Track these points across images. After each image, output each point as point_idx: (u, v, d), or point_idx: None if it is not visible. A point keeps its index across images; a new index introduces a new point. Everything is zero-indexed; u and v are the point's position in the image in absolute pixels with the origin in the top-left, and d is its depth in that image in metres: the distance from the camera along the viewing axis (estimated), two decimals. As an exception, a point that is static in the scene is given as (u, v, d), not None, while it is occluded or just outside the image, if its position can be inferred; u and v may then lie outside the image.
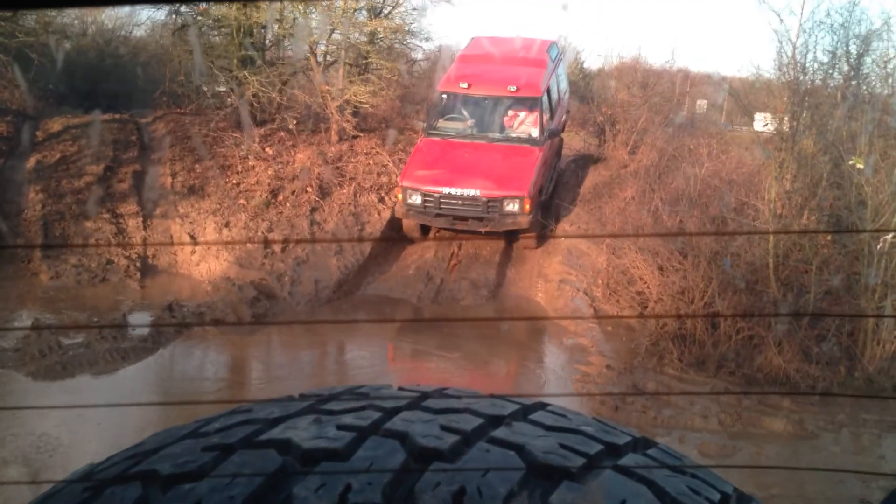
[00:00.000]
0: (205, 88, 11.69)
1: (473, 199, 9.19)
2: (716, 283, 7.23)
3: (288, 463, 0.88)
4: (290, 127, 11.08)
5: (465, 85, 10.42)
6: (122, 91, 13.64)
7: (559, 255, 9.46)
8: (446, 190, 9.23)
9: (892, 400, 6.47)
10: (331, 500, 0.81)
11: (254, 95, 11.14)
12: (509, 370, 7.48)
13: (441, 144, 10.11)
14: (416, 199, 9.36)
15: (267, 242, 9.29)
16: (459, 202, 9.24)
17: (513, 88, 10.22)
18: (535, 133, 10.15)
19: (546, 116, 10.44)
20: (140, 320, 7.29)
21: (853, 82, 9.41)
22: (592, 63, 31.32)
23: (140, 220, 9.62)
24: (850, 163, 6.87)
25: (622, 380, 6.61)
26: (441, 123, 10.40)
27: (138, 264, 8.98)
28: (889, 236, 6.62)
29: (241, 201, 9.95)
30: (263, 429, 0.98)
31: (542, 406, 1.14)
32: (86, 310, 7.43)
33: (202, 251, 9.28)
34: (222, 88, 11.57)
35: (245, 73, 11.03)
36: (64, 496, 0.89)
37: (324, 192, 10.43)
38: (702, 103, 22.02)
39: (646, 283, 7.73)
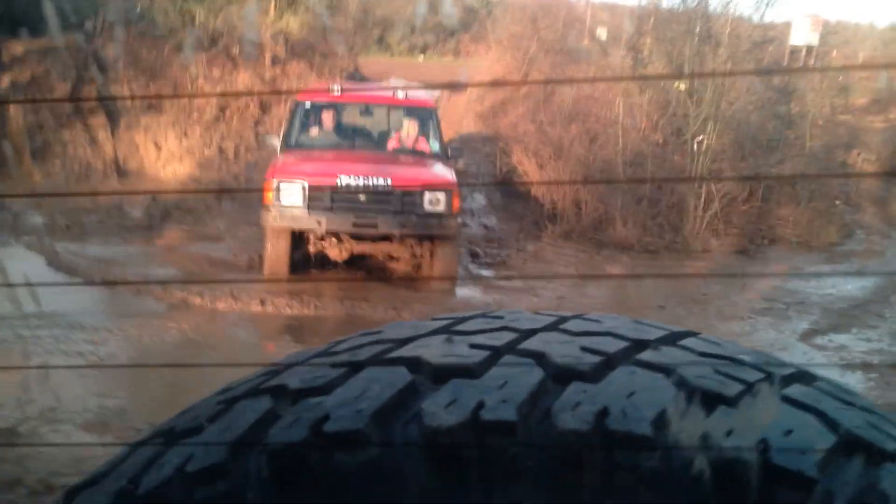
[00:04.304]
0: (153, 15, 13.21)
1: (383, 191, 6.92)
2: (580, 175, 9.63)
3: (418, 379, 0.87)
4: (233, 53, 12.77)
5: (336, 90, 8.22)
6: (66, 13, 14.84)
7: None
8: (344, 179, 6.86)
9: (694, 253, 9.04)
10: (462, 416, 0.79)
11: (199, 24, 12.79)
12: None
13: (309, 153, 7.78)
14: (296, 197, 6.82)
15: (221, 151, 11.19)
16: (363, 196, 6.92)
17: (402, 95, 8.19)
18: (437, 148, 7.97)
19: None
20: (134, 207, 9.14)
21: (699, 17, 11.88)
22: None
23: (108, 130, 11.31)
24: (675, 86, 9.30)
25: (512, 245, 8.96)
26: (305, 138, 7.96)
27: (113, 167, 10.73)
28: (700, 138, 9.11)
29: (195, 115, 11.73)
30: (393, 347, 0.98)
31: (693, 333, 1.06)
32: (84, 200, 9.23)
33: (166, 157, 11.09)
34: (169, 15, 13.12)
35: (191, 3, 12.67)
36: (201, 409, 0.93)
37: (264, 108, 12.30)
38: (601, 32, 24.19)
39: (528, 175, 10.06)
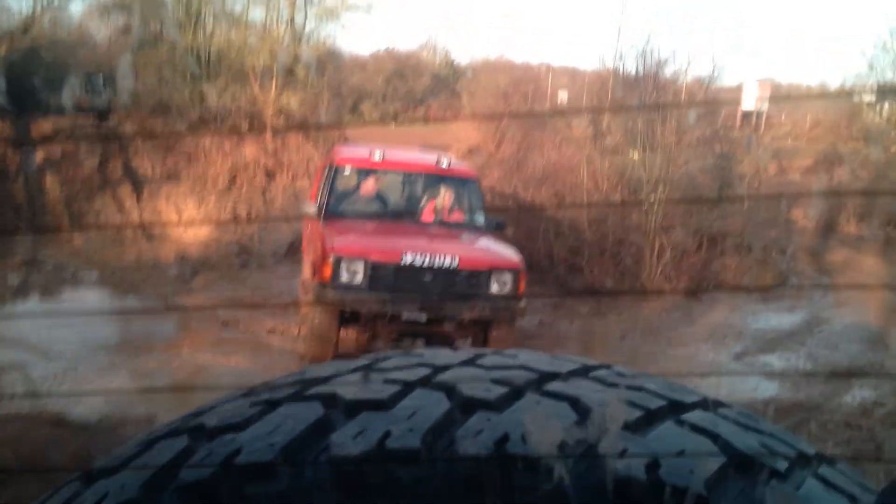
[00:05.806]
0: (165, 97, 14.79)
1: (449, 270, 6.45)
2: (552, 233, 11.25)
3: (331, 413, 0.90)
4: (242, 130, 14.36)
5: (377, 157, 7.63)
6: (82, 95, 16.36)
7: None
8: (409, 258, 6.39)
9: (650, 295, 10.63)
10: (368, 445, 0.83)
11: (207, 103, 14.42)
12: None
13: (356, 223, 7.31)
14: (357, 275, 6.34)
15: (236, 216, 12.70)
16: (427, 276, 6.43)
17: (444, 164, 7.78)
18: (481, 220, 7.68)
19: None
20: (172, 264, 10.56)
21: (650, 95, 13.73)
22: (461, 59, 35.58)
23: (134, 199, 12.76)
24: (630, 155, 11.00)
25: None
26: (348, 207, 7.50)
27: (141, 233, 12.16)
28: (653, 199, 10.79)
29: (210, 184, 13.25)
30: (312, 385, 1.01)
31: (606, 366, 1.10)
32: (126, 260, 10.64)
33: (186, 222, 12.54)
34: (183, 95, 14.71)
35: (203, 86, 14.29)
36: (126, 450, 0.96)
37: (270, 177, 13.85)
38: (563, 95, 26.01)
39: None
